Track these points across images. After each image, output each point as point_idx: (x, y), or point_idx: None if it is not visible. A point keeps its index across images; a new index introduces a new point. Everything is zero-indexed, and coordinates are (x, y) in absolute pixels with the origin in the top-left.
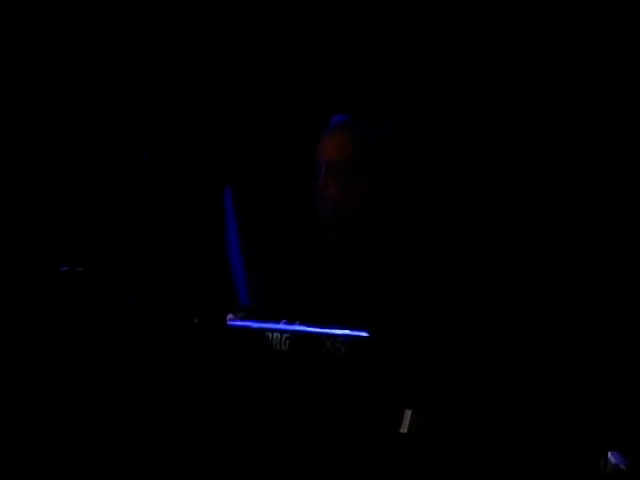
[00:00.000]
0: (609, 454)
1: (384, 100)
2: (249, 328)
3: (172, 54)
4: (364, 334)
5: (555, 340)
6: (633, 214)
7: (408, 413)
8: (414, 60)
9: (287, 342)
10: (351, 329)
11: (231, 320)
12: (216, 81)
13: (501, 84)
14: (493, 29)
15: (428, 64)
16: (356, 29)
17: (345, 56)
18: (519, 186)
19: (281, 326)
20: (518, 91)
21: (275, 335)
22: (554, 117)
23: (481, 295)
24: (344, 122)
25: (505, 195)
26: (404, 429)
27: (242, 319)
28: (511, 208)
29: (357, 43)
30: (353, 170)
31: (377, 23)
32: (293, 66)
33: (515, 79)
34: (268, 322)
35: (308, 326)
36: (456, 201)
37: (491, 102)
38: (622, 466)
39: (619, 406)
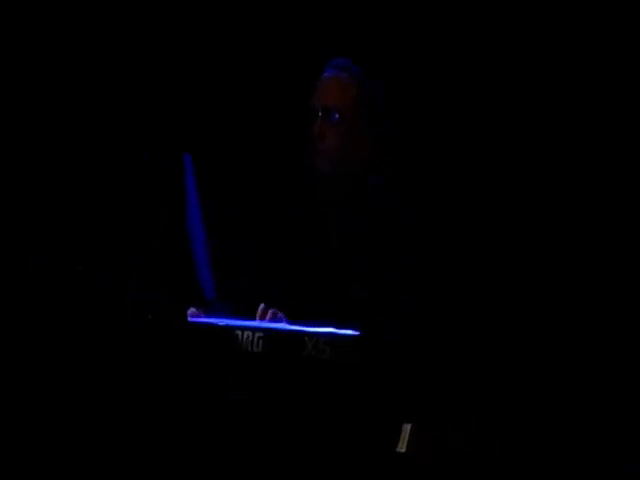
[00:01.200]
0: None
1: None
2: (214, 325)
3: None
4: (353, 333)
5: (554, 340)
6: (633, 214)
7: (407, 428)
8: (414, 60)
9: (260, 342)
10: (341, 328)
11: (193, 316)
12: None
13: (501, 84)
14: (493, 29)
15: (428, 64)
16: (355, 28)
17: (345, 55)
18: (519, 186)
19: (254, 323)
20: (518, 91)
21: (246, 334)
22: (554, 117)
23: (481, 295)
24: (348, 64)
25: (505, 195)
26: (402, 448)
27: (206, 314)
28: (511, 208)
29: (357, 42)
30: (355, 120)
31: (377, 22)
32: (294, 66)
33: (515, 79)
34: (238, 318)
35: (288, 322)
36: (456, 201)
37: (491, 102)
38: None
39: (618, 406)
